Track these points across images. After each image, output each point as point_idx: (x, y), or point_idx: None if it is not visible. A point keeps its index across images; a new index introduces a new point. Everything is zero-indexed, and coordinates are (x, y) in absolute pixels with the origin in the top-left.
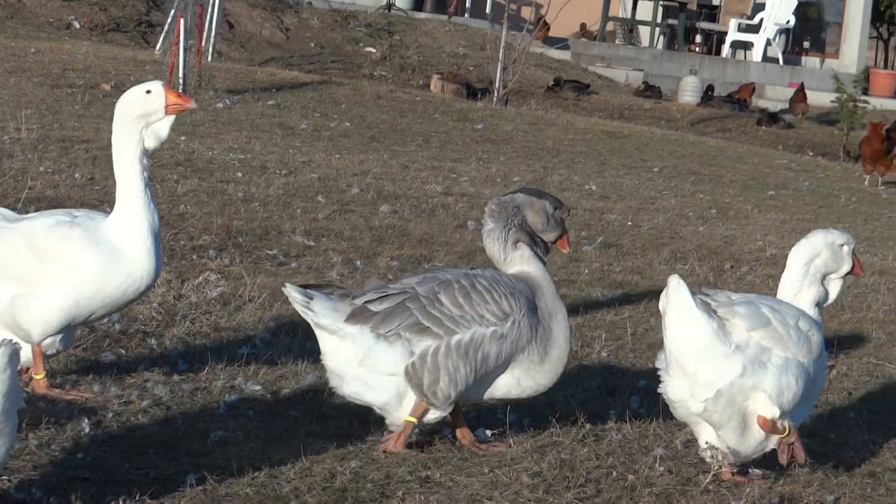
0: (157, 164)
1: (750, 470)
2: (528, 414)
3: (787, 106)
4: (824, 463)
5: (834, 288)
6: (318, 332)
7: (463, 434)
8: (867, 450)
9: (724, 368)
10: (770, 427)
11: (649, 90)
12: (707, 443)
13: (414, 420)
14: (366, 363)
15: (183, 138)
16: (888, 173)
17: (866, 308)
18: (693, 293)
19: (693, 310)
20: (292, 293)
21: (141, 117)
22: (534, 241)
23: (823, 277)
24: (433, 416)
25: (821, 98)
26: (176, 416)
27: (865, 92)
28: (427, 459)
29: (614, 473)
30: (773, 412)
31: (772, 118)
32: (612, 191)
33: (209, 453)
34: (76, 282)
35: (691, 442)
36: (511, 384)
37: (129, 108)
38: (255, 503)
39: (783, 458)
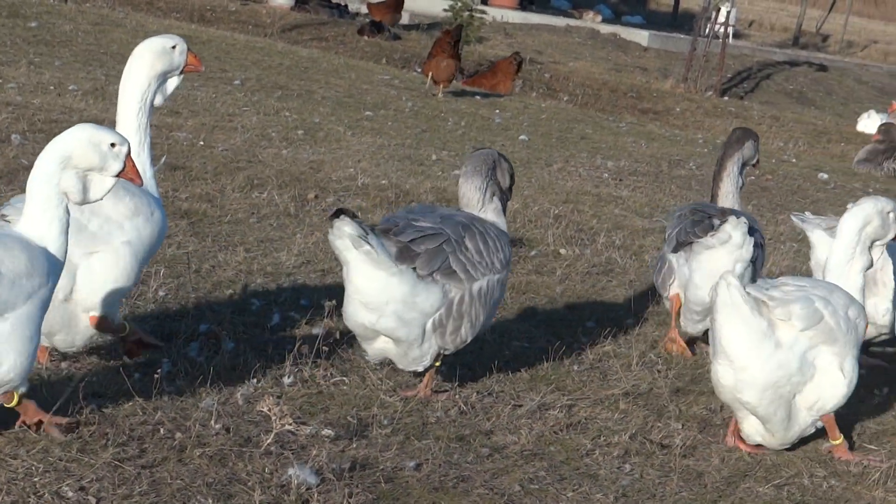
0: None
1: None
2: (67, 359)
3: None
4: (408, 424)
5: (876, 255)
6: (361, 268)
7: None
8: (457, 410)
9: (770, 367)
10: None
11: None
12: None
13: (438, 363)
14: (409, 301)
15: None
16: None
17: None
18: (745, 290)
19: (743, 311)
20: (348, 228)
21: (162, 73)
22: (502, 195)
23: (871, 245)
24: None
25: (433, 6)
26: None
27: (485, 2)
28: None
29: (161, 431)
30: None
31: (376, 27)
32: (183, 105)
33: None
34: (153, 229)
35: (254, 396)
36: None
37: (154, 60)
38: None
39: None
